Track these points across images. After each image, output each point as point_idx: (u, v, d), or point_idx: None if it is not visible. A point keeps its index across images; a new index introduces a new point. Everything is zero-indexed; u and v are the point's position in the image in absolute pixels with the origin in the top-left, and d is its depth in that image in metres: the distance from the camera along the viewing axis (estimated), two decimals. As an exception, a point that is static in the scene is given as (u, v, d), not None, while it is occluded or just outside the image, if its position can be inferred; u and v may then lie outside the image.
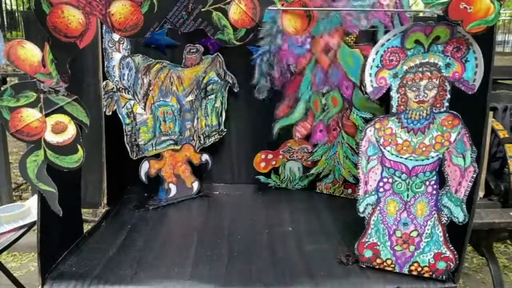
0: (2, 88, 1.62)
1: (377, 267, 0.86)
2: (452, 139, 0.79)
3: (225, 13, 0.73)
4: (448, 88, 0.77)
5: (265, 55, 0.99)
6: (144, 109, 1.21)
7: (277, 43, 0.94)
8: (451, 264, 0.82)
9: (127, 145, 1.23)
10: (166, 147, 1.26)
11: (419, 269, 0.84)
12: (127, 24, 0.72)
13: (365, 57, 0.94)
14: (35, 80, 0.74)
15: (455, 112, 0.78)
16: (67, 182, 0.85)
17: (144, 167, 1.24)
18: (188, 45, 1.24)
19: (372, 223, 0.86)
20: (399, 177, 0.83)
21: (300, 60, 0.94)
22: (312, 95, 0.95)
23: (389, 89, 0.80)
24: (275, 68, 0.98)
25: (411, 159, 0.82)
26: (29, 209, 1.35)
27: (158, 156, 1.26)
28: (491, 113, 1.60)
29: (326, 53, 0.93)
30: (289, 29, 0.77)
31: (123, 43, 1.19)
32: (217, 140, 1.32)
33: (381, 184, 0.84)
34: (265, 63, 0.99)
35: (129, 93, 1.20)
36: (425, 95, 0.78)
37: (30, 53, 0.72)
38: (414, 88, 0.79)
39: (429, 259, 0.83)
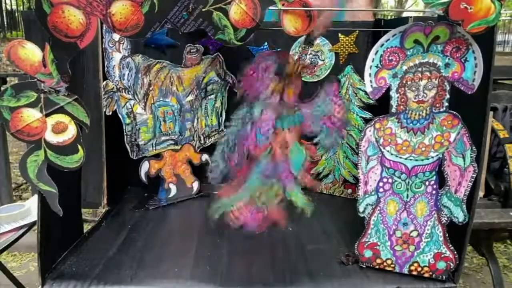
0: (2, 88, 1.62)
1: (377, 267, 0.86)
2: (451, 139, 0.79)
3: (225, 13, 0.73)
4: (448, 88, 0.77)
5: (231, 138, 1.02)
6: (144, 109, 1.22)
7: (246, 130, 0.98)
8: (451, 264, 0.82)
9: (127, 145, 1.23)
10: (166, 147, 1.27)
11: (419, 269, 0.84)
12: (128, 24, 0.72)
13: (307, 155, 1.00)
14: (35, 80, 0.74)
15: (454, 112, 0.78)
16: (67, 182, 0.85)
17: (144, 167, 1.24)
18: (188, 45, 1.24)
19: (372, 223, 0.86)
20: (399, 177, 0.83)
21: (258, 149, 0.98)
22: (259, 184, 0.99)
23: (388, 89, 0.81)
24: (234, 154, 1.01)
25: (410, 159, 0.82)
26: (29, 209, 1.35)
27: (158, 156, 1.26)
28: (491, 113, 1.60)
29: (281, 147, 0.98)
30: (289, 29, 0.77)
31: (123, 43, 1.19)
32: (217, 140, 1.33)
33: (380, 184, 0.84)
34: (228, 147, 1.02)
35: (129, 93, 1.20)
36: (425, 95, 0.79)
37: (31, 53, 0.72)
38: (414, 88, 0.79)
39: (429, 259, 0.83)
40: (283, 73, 0.99)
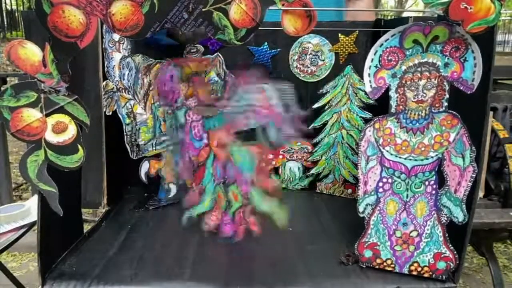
0: (2, 88, 1.62)
1: (377, 267, 0.86)
2: (451, 139, 0.79)
3: (225, 13, 0.73)
4: (447, 87, 0.78)
5: (171, 146, 1.04)
6: (144, 109, 1.22)
7: (179, 136, 0.99)
8: (451, 264, 0.82)
9: (127, 145, 1.23)
10: (166, 147, 1.26)
11: (419, 269, 0.84)
12: (128, 24, 0.72)
13: (254, 156, 0.97)
14: (35, 80, 0.74)
15: (454, 112, 0.78)
16: (67, 182, 0.85)
17: (144, 167, 1.24)
18: (188, 45, 1.24)
19: (371, 223, 0.86)
20: (399, 177, 0.83)
21: (201, 153, 0.98)
22: (215, 187, 0.99)
23: (388, 89, 0.81)
24: (180, 160, 1.01)
25: (410, 159, 0.82)
26: (29, 209, 1.36)
27: (158, 156, 1.26)
28: (491, 113, 1.60)
29: (221, 147, 0.98)
30: (289, 29, 0.77)
31: (123, 43, 1.19)
32: None
33: (380, 184, 0.84)
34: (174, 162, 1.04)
35: (129, 93, 1.20)
36: (424, 95, 0.79)
37: (31, 53, 0.72)
38: (413, 88, 0.79)
39: (429, 259, 0.83)
40: (184, 78, 0.99)
